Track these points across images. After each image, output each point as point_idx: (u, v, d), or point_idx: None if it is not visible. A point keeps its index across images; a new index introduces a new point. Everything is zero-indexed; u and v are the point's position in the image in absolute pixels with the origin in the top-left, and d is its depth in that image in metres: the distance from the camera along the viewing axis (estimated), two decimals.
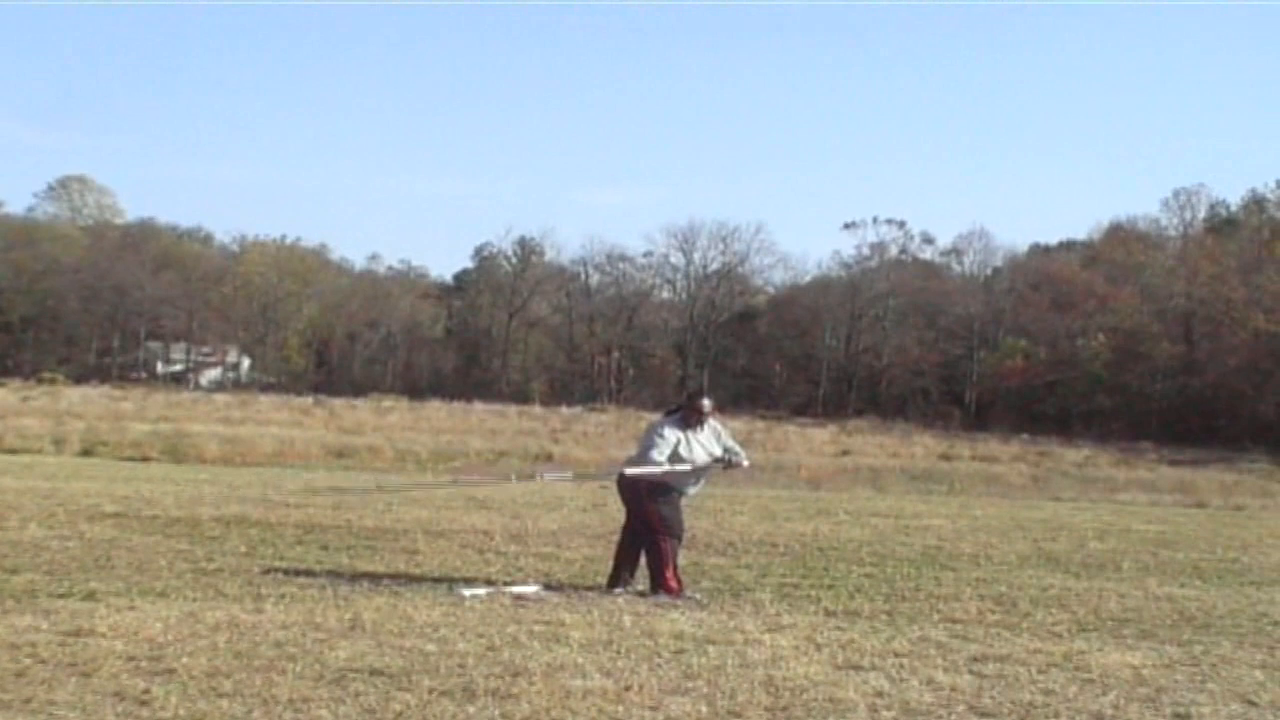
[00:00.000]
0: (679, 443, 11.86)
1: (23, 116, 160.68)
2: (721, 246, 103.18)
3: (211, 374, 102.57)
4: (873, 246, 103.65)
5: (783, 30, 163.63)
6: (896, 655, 9.27)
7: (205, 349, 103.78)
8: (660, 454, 11.76)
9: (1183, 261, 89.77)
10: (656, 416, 12.68)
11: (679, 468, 11.86)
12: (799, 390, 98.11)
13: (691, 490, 12.24)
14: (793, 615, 10.87)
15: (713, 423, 12.23)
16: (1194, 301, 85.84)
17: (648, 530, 11.82)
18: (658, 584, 11.67)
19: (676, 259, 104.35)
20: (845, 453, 52.10)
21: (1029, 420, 78.50)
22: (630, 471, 11.84)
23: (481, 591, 11.45)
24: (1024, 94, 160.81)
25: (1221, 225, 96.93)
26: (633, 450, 12.56)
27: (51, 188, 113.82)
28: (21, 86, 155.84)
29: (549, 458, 40.89)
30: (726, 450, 12.23)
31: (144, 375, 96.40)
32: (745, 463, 12.40)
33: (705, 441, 12.07)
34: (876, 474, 40.46)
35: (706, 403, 12.22)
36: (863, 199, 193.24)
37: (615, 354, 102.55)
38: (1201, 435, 72.94)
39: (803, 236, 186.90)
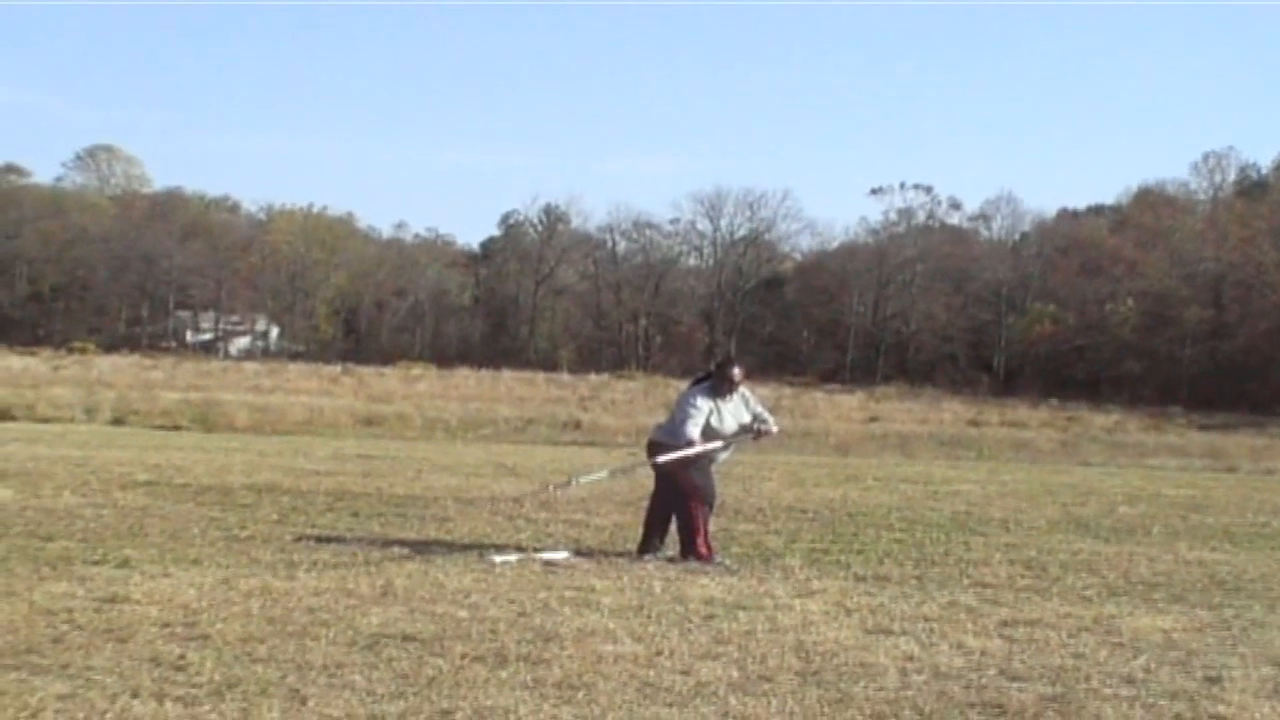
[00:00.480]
0: (711, 412, 11.86)
1: (51, 87, 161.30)
2: (748, 213, 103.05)
3: (241, 343, 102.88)
4: (900, 212, 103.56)
5: None
6: (926, 620, 9.29)
7: (234, 318, 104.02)
8: (695, 426, 11.74)
9: (1212, 225, 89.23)
10: (684, 385, 12.67)
11: (710, 446, 11.86)
12: (827, 357, 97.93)
13: (722, 456, 12.25)
14: (822, 580, 10.89)
15: (742, 389, 12.22)
16: (1224, 265, 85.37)
17: (680, 496, 11.82)
18: (688, 550, 11.69)
19: (703, 226, 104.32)
20: (874, 419, 52.01)
21: (1057, 385, 78.25)
22: (663, 460, 11.80)
23: (512, 558, 11.49)
24: (1052, 58, 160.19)
25: (1251, 188, 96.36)
26: (663, 419, 12.54)
27: (79, 157, 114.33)
28: (50, 58, 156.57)
29: (577, 425, 40.89)
30: (755, 417, 12.21)
31: (173, 344, 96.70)
32: (774, 429, 12.37)
33: (735, 410, 12.06)
34: (905, 440, 40.40)
35: (737, 371, 12.18)
36: (890, 164, 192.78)
37: (642, 321, 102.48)
38: (1231, 399, 72.60)
39: (830, 203, 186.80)
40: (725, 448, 12.14)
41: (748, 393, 12.31)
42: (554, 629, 8.53)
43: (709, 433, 11.81)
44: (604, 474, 14.11)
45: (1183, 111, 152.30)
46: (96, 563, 10.70)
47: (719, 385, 12.07)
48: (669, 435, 11.98)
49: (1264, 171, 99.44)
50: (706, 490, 11.88)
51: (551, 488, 14.69)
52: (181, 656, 7.51)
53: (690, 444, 11.72)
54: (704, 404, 11.88)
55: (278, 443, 29.02)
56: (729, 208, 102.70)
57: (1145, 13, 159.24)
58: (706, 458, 11.93)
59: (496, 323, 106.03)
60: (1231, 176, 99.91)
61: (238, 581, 9.90)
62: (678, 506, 11.84)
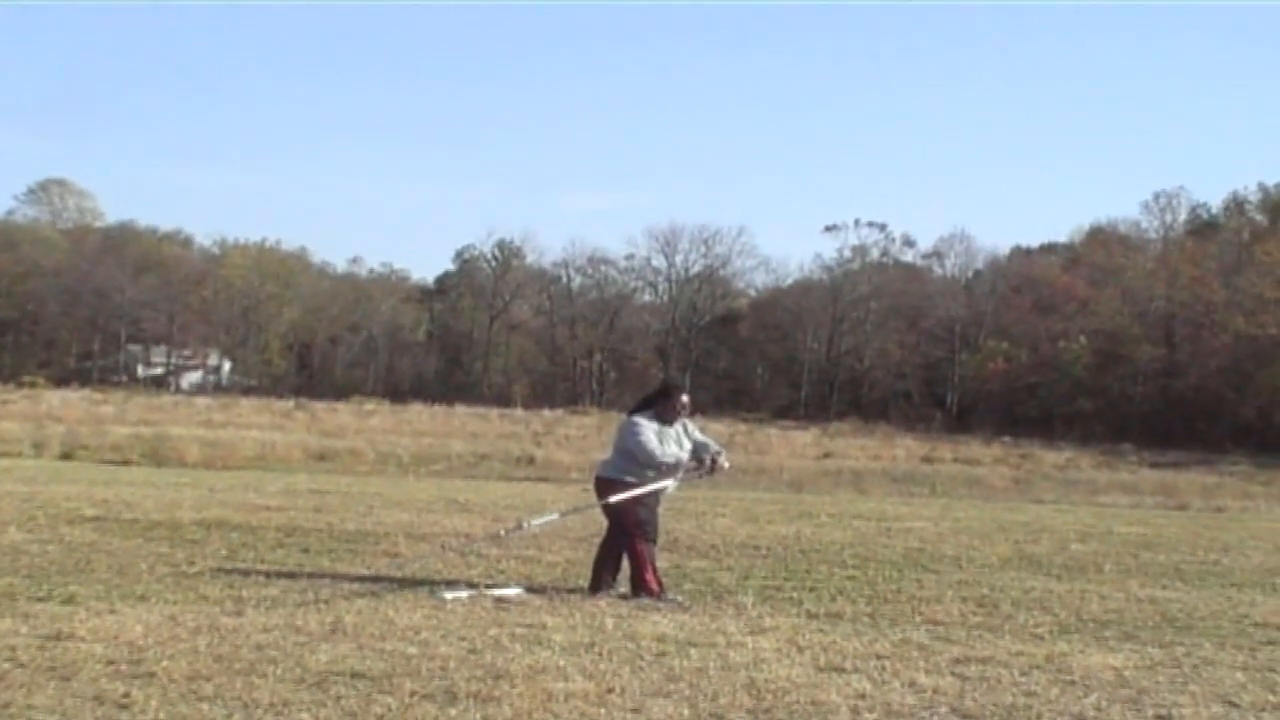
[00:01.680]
0: (659, 435, 11.81)
1: (2, 119, 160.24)
2: (703, 249, 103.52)
3: (192, 377, 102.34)
4: (854, 249, 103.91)
5: (764, 34, 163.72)
6: (879, 657, 9.26)
7: (186, 352, 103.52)
8: (656, 445, 11.66)
9: (1163, 264, 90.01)
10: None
11: (657, 486, 11.81)
12: (781, 393, 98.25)
13: (670, 489, 12.17)
14: (775, 618, 10.86)
15: (684, 419, 12.16)
16: (1175, 304, 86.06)
17: (623, 533, 11.78)
18: (638, 586, 11.64)
19: (658, 262, 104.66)
20: (827, 455, 52.18)
21: (1011, 422, 78.65)
22: (615, 499, 11.74)
23: (463, 594, 11.41)
24: (1004, 96, 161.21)
25: (1202, 227, 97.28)
26: (609, 455, 12.44)
27: (31, 190, 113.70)
28: (1, 90, 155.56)
29: (531, 461, 40.85)
30: (697, 446, 12.12)
31: (124, 378, 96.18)
32: (726, 464, 12.28)
33: (676, 437, 11.99)
34: (859, 476, 40.52)
35: (686, 399, 12.14)
36: (844, 202, 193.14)
37: (597, 357, 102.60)
38: (1183, 437, 73.13)
39: (784, 239, 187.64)
40: (676, 480, 12.08)
41: (688, 422, 12.24)
42: (504, 666, 8.46)
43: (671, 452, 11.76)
44: (555, 515, 14.04)
45: (1134, 151, 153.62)
46: (41, 599, 10.57)
47: (663, 411, 12.00)
48: (616, 470, 11.91)
49: (1214, 211, 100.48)
50: (649, 525, 11.81)
51: (502, 532, 14.61)
52: (126, 695, 7.41)
53: (661, 460, 11.66)
54: (648, 427, 11.83)
55: (228, 478, 28.84)
56: (684, 244, 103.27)
57: (1098, 53, 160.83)
58: (654, 493, 11.88)
59: (450, 358, 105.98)
60: (1182, 216, 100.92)
61: (185, 618, 9.79)
62: (623, 543, 11.79)
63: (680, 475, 12.11)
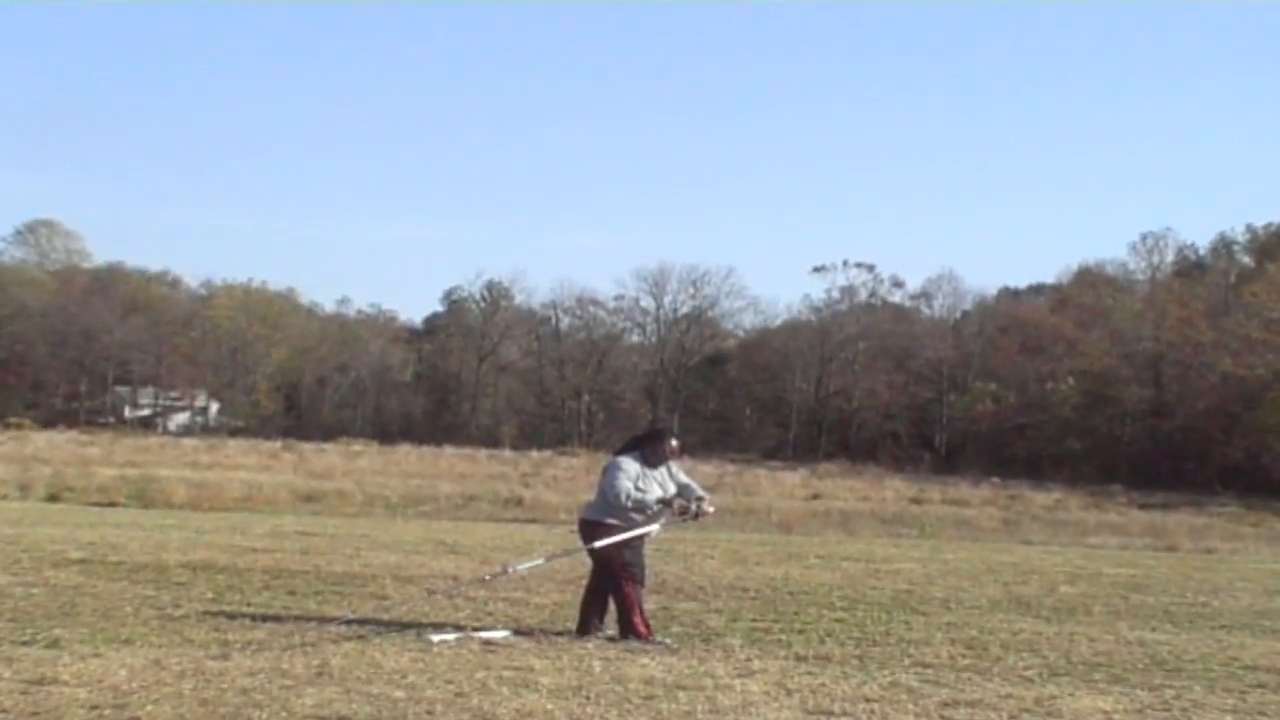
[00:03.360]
0: (638, 477, 11.78)
1: None
2: (691, 290, 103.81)
3: (180, 418, 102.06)
4: (842, 290, 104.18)
5: (752, 75, 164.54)
6: (867, 700, 9.22)
7: (173, 393, 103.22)
8: (627, 486, 11.62)
9: (1151, 305, 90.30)
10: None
11: (646, 529, 11.79)
12: (769, 434, 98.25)
13: (655, 532, 12.14)
14: (763, 660, 10.81)
15: (670, 462, 12.14)
16: (1162, 345, 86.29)
17: (611, 576, 11.74)
18: (626, 629, 11.59)
19: (647, 303, 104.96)
20: (816, 496, 52.17)
21: (999, 464, 78.75)
22: (600, 545, 11.70)
23: (450, 637, 11.36)
24: (993, 138, 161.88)
25: (1189, 269, 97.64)
26: (594, 497, 12.40)
27: (19, 232, 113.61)
28: None
29: (519, 502, 40.79)
30: (681, 489, 12.08)
31: (111, 420, 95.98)
32: (710, 509, 12.24)
33: (661, 480, 11.96)
34: (847, 517, 40.47)
35: (675, 444, 12.15)
36: (832, 243, 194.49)
37: (585, 397, 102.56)
38: (1171, 478, 73.26)
39: (773, 280, 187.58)
40: (660, 524, 12.04)
41: (674, 465, 12.22)
42: (492, 710, 8.41)
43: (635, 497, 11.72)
44: (540, 560, 13.99)
45: (1122, 192, 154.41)
46: (25, 643, 10.50)
47: (650, 454, 11.98)
48: (600, 513, 11.87)
49: (1202, 252, 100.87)
50: (636, 568, 11.77)
51: (487, 577, 14.55)
52: None
53: (626, 501, 11.61)
54: (631, 468, 11.79)
55: (215, 519, 28.73)
56: (672, 285, 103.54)
57: (1086, 94, 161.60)
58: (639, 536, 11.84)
59: (439, 399, 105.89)
60: (1170, 257, 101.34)
61: (170, 662, 9.73)
62: (611, 586, 11.76)
63: (665, 520, 12.07)
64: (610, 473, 11.85)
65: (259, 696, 8.59)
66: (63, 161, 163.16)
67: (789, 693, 9.39)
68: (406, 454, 68.69)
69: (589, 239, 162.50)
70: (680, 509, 11.93)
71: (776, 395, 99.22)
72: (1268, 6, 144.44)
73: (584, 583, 12.45)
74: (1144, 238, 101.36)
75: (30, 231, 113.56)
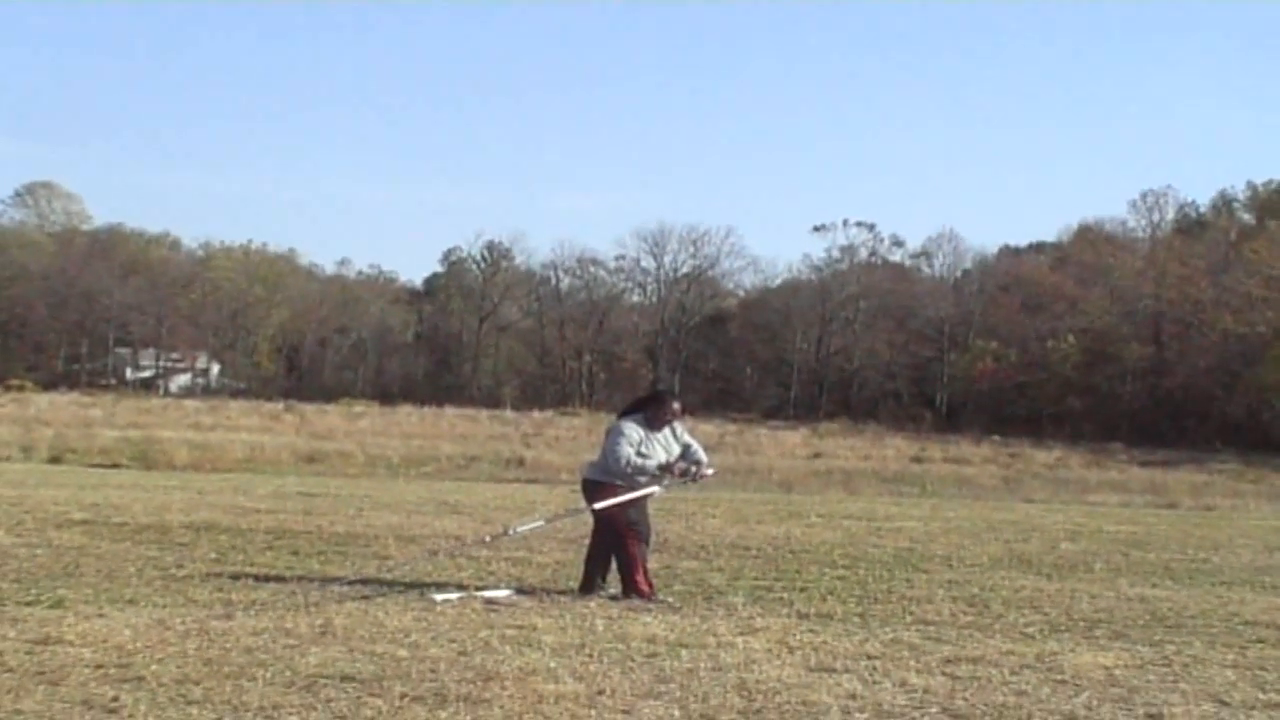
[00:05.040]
0: (641, 442, 11.78)
1: None
2: (692, 250, 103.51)
3: (181, 380, 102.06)
4: (843, 249, 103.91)
5: (752, 34, 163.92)
6: (869, 657, 9.24)
7: (174, 355, 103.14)
8: (628, 451, 11.64)
9: (1151, 263, 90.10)
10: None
11: (647, 491, 11.81)
12: (770, 393, 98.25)
13: (658, 493, 12.17)
14: (765, 618, 10.83)
15: (674, 422, 12.16)
16: (1163, 303, 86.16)
17: (615, 535, 11.76)
18: (629, 588, 11.62)
19: (647, 263, 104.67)
20: (817, 455, 52.25)
21: (1000, 422, 78.69)
22: (600, 506, 11.73)
23: (453, 596, 11.39)
24: (992, 96, 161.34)
25: (1190, 227, 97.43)
26: (596, 456, 12.42)
27: (18, 194, 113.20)
28: None
29: (520, 463, 40.82)
30: (685, 449, 12.13)
31: (113, 382, 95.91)
32: (710, 471, 12.27)
33: (664, 442, 11.97)
34: (848, 476, 40.52)
35: (677, 406, 12.17)
36: (833, 202, 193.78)
37: (586, 358, 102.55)
38: (1171, 436, 73.35)
39: (773, 239, 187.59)
40: (662, 486, 12.06)
41: (678, 425, 12.24)
42: (495, 668, 8.43)
43: (639, 471, 11.73)
44: (540, 522, 14.01)
45: (1122, 150, 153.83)
46: (29, 604, 10.53)
47: (653, 417, 11.99)
48: (602, 473, 11.89)
49: (1202, 210, 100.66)
50: (641, 526, 11.80)
51: (487, 538, 14.57)
52: (115, 699, 7.38)
53: (626, 467, 11.64)
54: (634, 433, 11.80)
55: (218, 480, 28.80)
56: (673, 244, 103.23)
57: (1085, 52, 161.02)
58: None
59: (439, 360, 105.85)
60: (1170, 215, 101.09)
61: (174, 622, 9.76)
62: (614, 545, 11.78)
63: (666, 482, 12.08)
64: (612, 437, 11.86)
65: (263, 656, 8.62)
66: (62, 124, 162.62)
67: (791, 650, 9.41)
68: (408, 415, 68.75)
69: (589, 200, 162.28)
70: (680, 472, 11.97)
71: (777, 355, 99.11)
72: None
73: (587, 542, 12.48)
74: (1144, 195, 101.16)
75: (29, 194, 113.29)
